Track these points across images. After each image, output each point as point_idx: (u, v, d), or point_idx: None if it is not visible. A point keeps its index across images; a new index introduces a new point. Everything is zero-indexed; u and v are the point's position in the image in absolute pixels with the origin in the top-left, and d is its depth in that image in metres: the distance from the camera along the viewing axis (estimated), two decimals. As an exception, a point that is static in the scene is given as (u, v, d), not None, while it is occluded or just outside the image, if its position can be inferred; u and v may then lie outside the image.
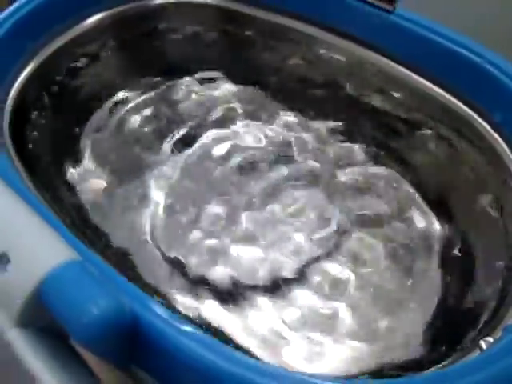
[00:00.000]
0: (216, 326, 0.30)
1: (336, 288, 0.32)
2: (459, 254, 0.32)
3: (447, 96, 0.34)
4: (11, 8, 0.37)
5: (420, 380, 0.21)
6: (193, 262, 0.33)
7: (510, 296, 0.26)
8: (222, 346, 0.21)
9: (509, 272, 0.27)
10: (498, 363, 0.20)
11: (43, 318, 0.20)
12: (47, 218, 0.23)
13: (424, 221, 0.34)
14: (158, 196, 0.37)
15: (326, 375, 0.27)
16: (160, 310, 0.22)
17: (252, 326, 0.29)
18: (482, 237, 0.31)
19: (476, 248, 0.31)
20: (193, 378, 0.22)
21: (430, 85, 0.35)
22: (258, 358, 0.21)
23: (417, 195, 0.36)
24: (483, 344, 0.23)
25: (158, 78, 0.43)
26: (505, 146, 0.31)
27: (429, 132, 0.35)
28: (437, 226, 0.34)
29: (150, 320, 0.21)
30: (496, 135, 0.31)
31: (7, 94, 0.35)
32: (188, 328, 0.21)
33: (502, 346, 0.21)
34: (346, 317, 0.30)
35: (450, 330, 0.28)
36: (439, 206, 0.35)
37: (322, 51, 0.40)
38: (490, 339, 0.23)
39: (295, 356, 0.28)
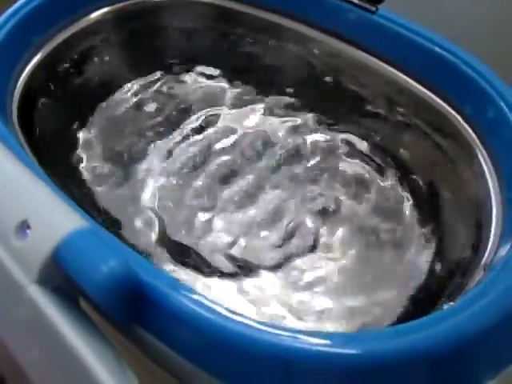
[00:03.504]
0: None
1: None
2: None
3: (423, 90, 0.37)
4: (18, 3, 0.39)
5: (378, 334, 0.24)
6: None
7: (473, 265, 0.29)
8: (218, 305, 0.24)
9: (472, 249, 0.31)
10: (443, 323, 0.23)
11: (58, 277, 0.23)
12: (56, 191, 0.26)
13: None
14: (156, 180, 0.40)
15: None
16: (159, 273, 0.24)
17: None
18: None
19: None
20: (187, 333, 0.24)
21: (408, 79, 0.38)
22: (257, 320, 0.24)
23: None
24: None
25: (156, 73, 0.46)
26: (473, 135, 0.34)
27: (404, 121, 0.39)
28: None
29: (151, 280, 0.24)
30: (466, 125, 0.35)
31: (15, 84, 0.38)
32: (186, 289, 0.24)
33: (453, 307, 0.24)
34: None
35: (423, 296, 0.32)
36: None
37: (308, 47, 0.43)
38: (453, 303, 0.26)
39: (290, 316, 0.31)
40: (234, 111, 0.44)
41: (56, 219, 0.23)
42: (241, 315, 0.24)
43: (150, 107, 0.44)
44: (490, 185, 0.32)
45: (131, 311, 0.24)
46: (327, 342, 0.22)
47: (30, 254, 0.23)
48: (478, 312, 0.23)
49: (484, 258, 0.28)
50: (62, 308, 0.22)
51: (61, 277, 0.23)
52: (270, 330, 0.23)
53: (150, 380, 0.28)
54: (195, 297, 0.24)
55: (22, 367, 0.25)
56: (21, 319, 0.23)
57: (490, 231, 0.29)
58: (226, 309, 0.24)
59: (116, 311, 0.23)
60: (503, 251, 0.27)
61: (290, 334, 0.23)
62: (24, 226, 0.23)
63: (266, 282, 0.34)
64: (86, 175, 0.39)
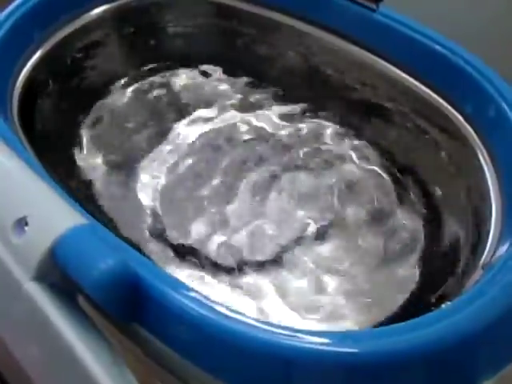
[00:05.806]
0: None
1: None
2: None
3: (423, 88, 0.37)
4: (18, 0, 0.39)
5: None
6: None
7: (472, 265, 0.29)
8: (215, 303, 0.24)
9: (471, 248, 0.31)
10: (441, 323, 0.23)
11: (55, 274, 0.23)
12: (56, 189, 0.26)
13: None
14: (155, 178, 0.40)
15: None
16: (158, 271, 0.24)
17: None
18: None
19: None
20: (186, 331, 0.24)
21: (408, 77, 0.38)
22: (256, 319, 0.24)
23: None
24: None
25: (155, 70, 0.46)
26: (474, 134, 0.34)
27: (403, 120, 0.39)
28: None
29: (149, 278, 0.24)
30: (466, 124, 0.35)
31: (16, 79, 0.38)
32: (185, 287, 0.24)
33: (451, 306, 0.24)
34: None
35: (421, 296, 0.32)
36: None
37: (309, 44, 0.42)
38: (450, 303, 0.26)
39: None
40: (232, 109, 0.44)
41: (54, 216, 0.23)
42: (239, 313, 0.24)
43: (149, 105, 0.44)
44: (490, 185, 0.32)
45: (129, 309, 0.24)
46: (325, 340, 0.22)
47: (28, 250, 0.23)
48: (475, 311, 0.23)
49: (483, 258, 0.28)
50: (59, 304, 0.22)
51: (58, 274, 0.23)
52: (268, 328, 0.23)
53: (147, 378, 0.28)
54: (194, 295, 0.24)
55: (20, 363, 0.25)
56: (18, 315, 0.23)
57: (489, 231, 0.29)
58: (226, 307, 0.24)
59: (114, 309, 0.24)
60: (502, 251, 0.27)
61: (288, 332, 0.23)
62: (22, 223, 0.23)
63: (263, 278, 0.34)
64: (85, 172, 0.39)
